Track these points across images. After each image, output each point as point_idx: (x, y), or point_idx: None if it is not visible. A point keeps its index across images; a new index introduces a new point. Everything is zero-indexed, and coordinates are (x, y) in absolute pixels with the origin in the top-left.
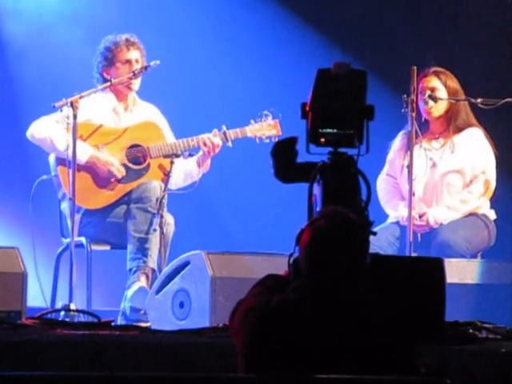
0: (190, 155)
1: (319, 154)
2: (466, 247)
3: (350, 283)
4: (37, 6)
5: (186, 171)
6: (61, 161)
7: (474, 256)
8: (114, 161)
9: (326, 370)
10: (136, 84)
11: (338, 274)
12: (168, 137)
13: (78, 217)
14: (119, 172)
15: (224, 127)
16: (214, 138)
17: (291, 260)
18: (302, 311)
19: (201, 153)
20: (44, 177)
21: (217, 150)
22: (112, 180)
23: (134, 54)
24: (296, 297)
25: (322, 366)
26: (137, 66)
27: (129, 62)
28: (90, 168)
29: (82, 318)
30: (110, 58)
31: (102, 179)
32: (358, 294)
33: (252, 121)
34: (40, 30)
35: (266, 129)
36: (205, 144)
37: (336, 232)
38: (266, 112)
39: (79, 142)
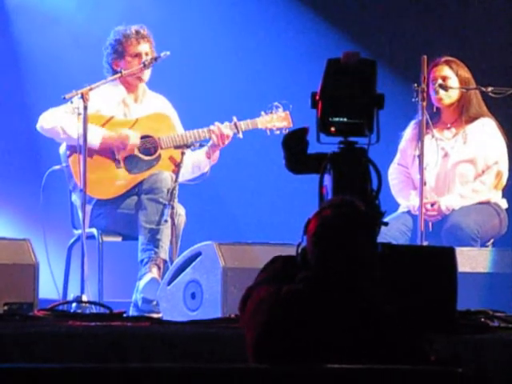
0: (201, 146)
1: (330, 144)
2: (477, 230)
3: (357, 273)
4: None
5: (194, 163)
6: (72, 151)
7: (484, 244)
8: (127, 131)
9: (334, 361)
10: (146, 75)
11: (345, 263)
12: (177, 128)
13: (89, 208)
14: (136, 139)
15: (235, 118)
16: (224, 128)
17: (299, 249)
18: (311, 302)
19: (210, 143)
20: (55, 167)
21: (226, 142)
22: (129, 153)
23: (143, 47)
24: (304, 287)
25: (330, 356)
26: (146, 58)
27: (139, 55)
28: (104, 151)
29: (94, 310)
30: (119, 51)
31: (117, 160)
32: (365, 284)
33: (263, 112)
34: (49, 20)
35: (276, 120)
36: (215, 134)
37: (342, 221)
38: (276, 104)
39: (89, 126)
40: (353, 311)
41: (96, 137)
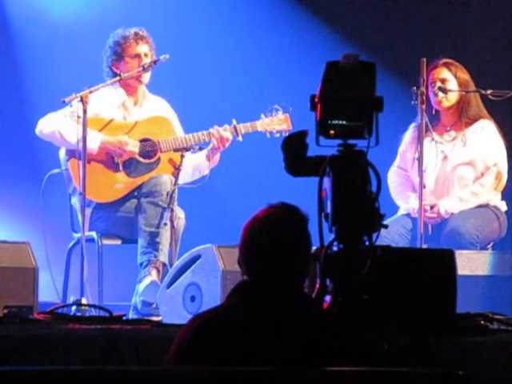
0: (200, 149)
1: (329, 147)
2: (476, 235)
3: (294, 272)
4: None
5: (194, 165)
6: (71, 155)
7: (484, 247)
8: (126, 138)
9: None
10: (146, 77)
11: (280, 263)
12: (177, 130)
13: (88, 211)
14: (135, 147)
15: (234, 121)
16: (224, 131)
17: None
18: (241, 316)
19: (211, 146)
20: (54, 171)
21: (226, 145)
22: (127, 158)
23: (143, 48)
24: (235, 301)
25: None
26: (146, 60)
27: (138, 56)
28: (103, 155)
29: (94, 313)
30: (119, 53)
31: (116, 163)
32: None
33: (262, 115)
34: (48, 24)
35: (276, 123)
36: (214, 137)
37: (270, 222)
38: (276, 106)
39: (88, 131)
40: (294, 312)
41: (94, 141)
